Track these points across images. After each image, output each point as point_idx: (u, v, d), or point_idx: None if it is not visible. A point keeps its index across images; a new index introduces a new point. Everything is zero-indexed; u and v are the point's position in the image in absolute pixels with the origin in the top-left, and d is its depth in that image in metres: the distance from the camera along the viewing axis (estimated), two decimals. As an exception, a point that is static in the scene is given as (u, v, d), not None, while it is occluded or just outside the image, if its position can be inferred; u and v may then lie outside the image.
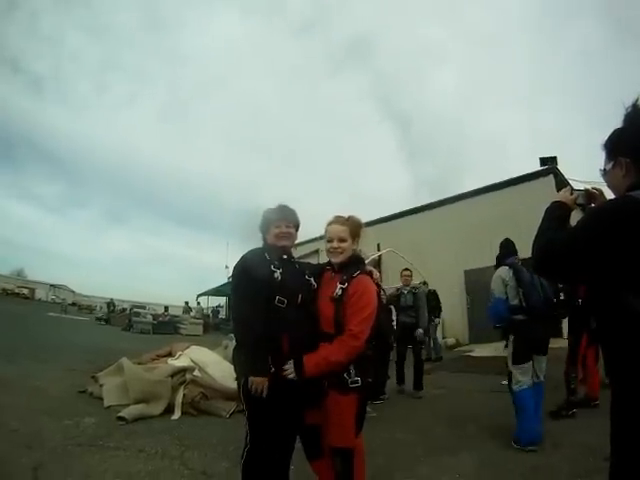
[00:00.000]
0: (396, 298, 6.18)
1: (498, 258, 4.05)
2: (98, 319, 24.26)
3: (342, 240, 2.24)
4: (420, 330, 5.96)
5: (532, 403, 3.47)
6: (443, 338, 11.03)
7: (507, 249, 4.08)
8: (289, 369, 2.02)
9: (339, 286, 2.13)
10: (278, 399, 2.01)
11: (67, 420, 3.76)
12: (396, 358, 5.99)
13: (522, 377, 3.53)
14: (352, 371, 2.09)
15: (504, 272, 3.78)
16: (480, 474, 2.91)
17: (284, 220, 2.29)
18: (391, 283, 6.64)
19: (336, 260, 2.26)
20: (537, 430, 3.43)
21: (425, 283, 9.70)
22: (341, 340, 2.04)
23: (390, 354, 5.53)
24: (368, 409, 4.26)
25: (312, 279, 2.30)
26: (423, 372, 6.05)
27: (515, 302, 3.65)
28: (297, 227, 2.37)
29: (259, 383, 1.97)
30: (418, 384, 5.88)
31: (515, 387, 3.54)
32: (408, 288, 6.33)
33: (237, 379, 2.18)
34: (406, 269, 6.71)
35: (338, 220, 2.31)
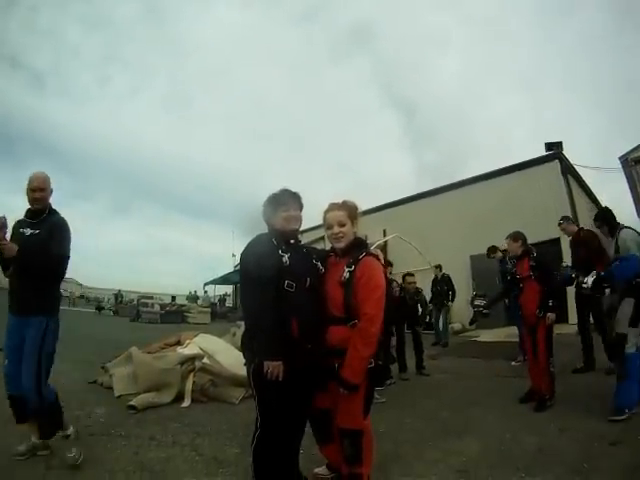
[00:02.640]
0: (401, 299, 6.04)
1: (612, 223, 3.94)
2: (98, 309, 24.41)
3: (342, 224, 2.26)
4: (417, 328, 6.37)
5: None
6: (449, 323, 11.03)
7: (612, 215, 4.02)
8: (342, 392, 2.07)
9: (346, 269, 2.15)
10: (288, 384, 2.02)
11: (78, 411, 3.79)
12: (396, 345, 5.93)
13: (635, 339, 3.48)
14: None
15: (634, 235, 3.68)
16: (487, 458, 2.92)
17: (291, 203, 2.29)
18: (397, 269, 6.61)
19: (339, 245, 2.27)
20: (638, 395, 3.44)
21: (438, 267, 9.69)
22: (360, 330, 2.07)
23: (392, 339, 5.51)
24: (376, 395, 4.30)
25: (319, 263, 2.31)
26: (423, 351, 6.32)
27: None
28: (302, 209, 2.38)
29: (275, 367, 1.99)
30: (420, 364, 6.17)
31: (630, 349, 3.46)
32: (411, 292, 6.34)
33: (246, 365, 2.20)
34: (410, 274, 6.60)
35: (335, 206, 2.32)
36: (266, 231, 2.34)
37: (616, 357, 3.67)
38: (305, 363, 2.11)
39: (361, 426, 2.19)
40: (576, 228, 5.56)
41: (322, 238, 13.83)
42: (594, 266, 5.02)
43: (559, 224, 5.61)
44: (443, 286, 9.35)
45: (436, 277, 9.53)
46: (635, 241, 3.62)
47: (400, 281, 6.36)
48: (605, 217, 4.02)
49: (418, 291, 6.46)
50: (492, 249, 7.33)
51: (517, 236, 4.28)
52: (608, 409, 3.46)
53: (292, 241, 2.29)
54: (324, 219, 2.36)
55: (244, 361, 2.26)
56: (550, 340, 4.02)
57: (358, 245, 2.30)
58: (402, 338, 5.99)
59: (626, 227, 3.79)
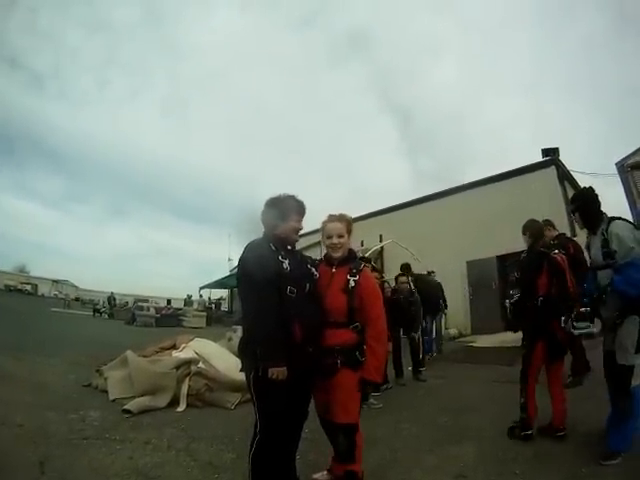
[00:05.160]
0: (392, 301, 5.86)
1: (593, 211, 3.01)
2: (96, 311, 24.34)
3: (341, 236, 2.43)
4: (413, 334, 6.29)
5: None
6: (445, 329, 11.01)
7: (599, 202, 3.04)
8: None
9: (352, 278, 2.33)
10: (289, 389, 2.05)
11: (72, 414, 3.77)
12: (392, 350, 5.88)
13: None
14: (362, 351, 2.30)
15: (629, 228, 2.83)
16: (484, 463, 2.91)
17: (302, 214, 2.38)
18: (393, 274, 6.61)
19: (336, 254, 2.43)
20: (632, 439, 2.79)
21: (431, 273, 9.62)
22: (374, 335, 2.29)
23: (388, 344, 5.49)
24: (373, 401, 4.29)
25: (313, 269, 2.39)
26: (419, 356, 6.37)
27: None
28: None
29: (280, 373, 2.01)
30: (417, 369, 6.18)
31: (636, 383, 2.71)
32: (405, 293, 6.34)
33: (244, 371, 2.20)
34: (402, 274, 6.65)
35: (335, 218, 2.49)
36: (261, 235, 2.35)
37: (619, 393, 2.80)
38: (306, 366, 2.15)
39: (356, 420, 2.31)
40: (556, 233, 5.30)
41: (318, 243, 13.86)
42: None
43: None
44: (436, 292, 9.23)
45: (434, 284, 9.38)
46: (632, 233, 2.79)
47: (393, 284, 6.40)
48: (583, 199, 3.17)
49: (412, 291, 6.39)
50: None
51: (524, 228, 3.65)
52: (599, 451, 2.82)
53: (289, 247, 2.34)
54: (323, 228, 2.50)
55: (240, 366, 2.26)
56: (526, 362, 3.37)
57: (354, 256, 2.54)
58: (398, 344, 6.00)
59: (616, 218, 2.92)
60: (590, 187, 3.18)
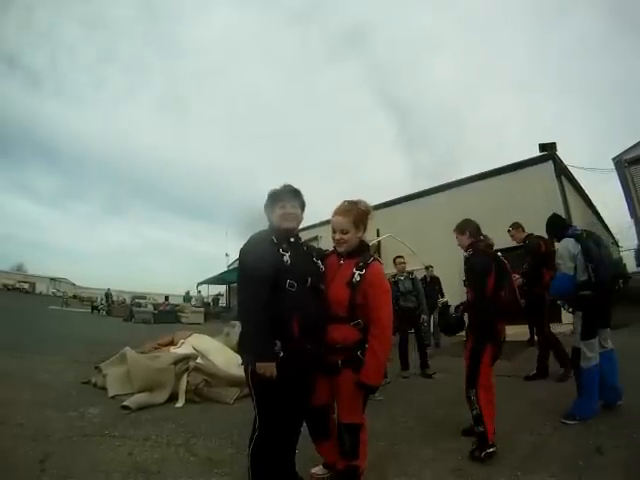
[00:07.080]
0: (394, 285, 6.08)
1: (554, 232, 3.95)
2: (94, 308, 24.39)
3: (344, 232, 2.29)
4: (424, 317, 6.28)
5: (597, 382, 3.47)
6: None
7: (562, 221, 3.99)
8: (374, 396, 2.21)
9: (357, 272, 2.20)
10: (286, 385, 2.01)
11: (72, 411, 3.78)
12: (399, 343, 6.01)
13: (591, 353, 3.46)
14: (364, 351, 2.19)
15: (571, 244, 3.56)
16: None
17: (288, 200, 2.26)
18: (391, 269, 6.61)
19: (340, 250, 2.33)
20: (594, 408, 3.48)
21: (429, 267, 9.63)
22: (378, 336, 2.15)
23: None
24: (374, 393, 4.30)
25: (320, 262, 2.31)
26: (426, 353, 6.33)
27: (584, 278, 3.47)
28: (303, 207, 2.36)
29: (267, 369, 1.97)
30: (425, 364, 6.15)
31: (584, 364, 3.48)
32: (405, 274, 6.37)
33: (243, 365, 2.18)
34: (399, 256, 6.68)
35: (341, 211, 2.33)
36: (265, 228, 2.32)
37: (574, 370, 3.74)
38: (304, 363, 2.10)
39: (362, 420, 2.29)
40: (524, 235, 5.43)
41: (316, 238, 13.85)
42: (543, 275, 4.92)
43: (508, 230, 5.52)
44: (434, 286, 9.25)
45: (425, 278, 9.32)
46: (568, 252, 3.54)
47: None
48: (547, 228, 4.05)
49: (410, 277, 6.38)
50: None
51: (464, 227, 3.74)
52: (563, 410, 3.56)
53: (292, 239, 2.26)
54: (331, 220, 2.37)
55: (239, 361, 2.25)
56: (474, 366, 3.19)
57: (365, 249, 2.37)
58: (406, 338, 6.09)
59: (569, 236, 3.66)
60: (553, 215, 4.09)
